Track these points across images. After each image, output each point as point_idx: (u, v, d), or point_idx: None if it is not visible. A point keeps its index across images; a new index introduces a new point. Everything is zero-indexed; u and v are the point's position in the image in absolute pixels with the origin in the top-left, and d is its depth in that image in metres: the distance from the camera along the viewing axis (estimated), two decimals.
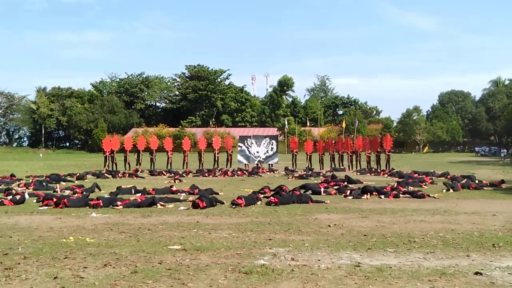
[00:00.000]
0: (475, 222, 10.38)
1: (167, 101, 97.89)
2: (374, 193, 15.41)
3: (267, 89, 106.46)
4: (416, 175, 23.09)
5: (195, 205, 12.52)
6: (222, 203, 13.23)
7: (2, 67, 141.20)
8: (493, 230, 9.40)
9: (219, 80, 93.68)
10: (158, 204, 12.85)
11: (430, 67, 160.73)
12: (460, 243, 8.17)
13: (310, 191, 15.86)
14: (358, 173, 26.43)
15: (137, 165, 30.14)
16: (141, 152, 31.33)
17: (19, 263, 6.84)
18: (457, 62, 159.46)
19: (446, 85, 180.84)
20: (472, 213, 11.76)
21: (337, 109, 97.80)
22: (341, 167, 30.54)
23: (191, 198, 14.30)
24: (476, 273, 6.26)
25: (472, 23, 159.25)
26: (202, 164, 30.21)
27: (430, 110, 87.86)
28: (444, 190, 16.84)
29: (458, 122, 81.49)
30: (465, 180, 19.50)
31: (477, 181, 19.40)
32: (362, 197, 14.93)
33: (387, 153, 29.99)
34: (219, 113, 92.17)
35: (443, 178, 22.37)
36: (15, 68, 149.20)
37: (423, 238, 8.63)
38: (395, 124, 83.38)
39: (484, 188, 18.09)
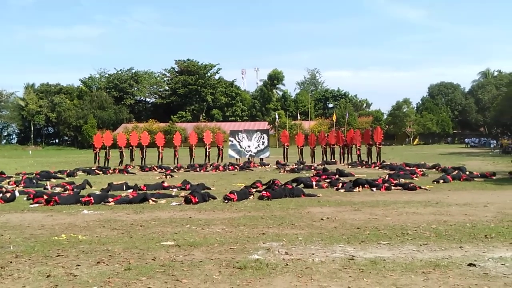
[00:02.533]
0: (467, 214, 10.44)
1: (157, 96, 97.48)
2: (365, 185, 15.47)
3: (257, 83, 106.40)
4: (407, 167, 23.21)
5: (187, 201, 12.48)
6: (215, 198, 13.19)
7: None
8: (485, 221, 9.46)
9: (209, 74, 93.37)
10: (150, 200, 12.79)
11: (420, 59, 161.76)
12: (453, 235, 8.20)
13: (302, 185, 15.88)
14: (350, 166, 26.49)
15: (131, 161, 29.98)
16: (134, 148, 31.13)
17: (11, 262, 6.78)
18: (447, 54, 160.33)
19: (435, 77, 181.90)
20: (463, 205, 11.82)
21: (328, 102, 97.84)
22: (333, 160, 30.59)
23: (183, 193, 14.26)
24: (470, 265, 6.28)
25: (461, 15, 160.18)
26: (193, 159, 30.11)
27: (420, 102, 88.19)
28: (435, 182, 16.93)
29: (448, 113, 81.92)
30: (456, 171, 19.62)
31: (467, 173, 19.51)
32: (354, 190, 14.96)
33: (377, 145, 30.05)
34: (210, 108, 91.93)
35: (434, 169, 22.49)
36: (2, 64, 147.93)
37: (416, 230, 8.66)
38: (385, 116, 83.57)
39: (475, 179, 18.20)
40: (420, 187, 15.24)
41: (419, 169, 21.73)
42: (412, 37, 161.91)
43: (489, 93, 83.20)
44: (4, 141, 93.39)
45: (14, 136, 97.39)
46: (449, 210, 10.95)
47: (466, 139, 71.85)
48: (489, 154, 42.54)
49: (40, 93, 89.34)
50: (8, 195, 13.83)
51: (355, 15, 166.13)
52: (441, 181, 17.12)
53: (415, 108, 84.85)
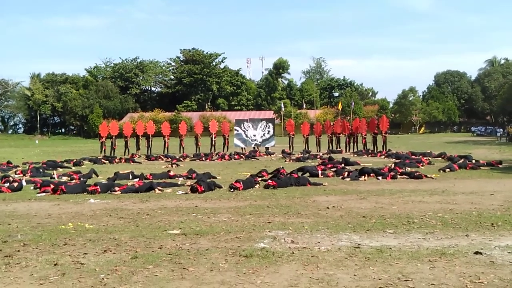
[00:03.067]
0: (473, 202, 10.42)
1: (162, 86, 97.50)
2: (371, 174, 15.44)
3: (262, 72, 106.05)
4: (413, 156, 23.14)
5: (193, 190, 12.51)
6: (220, 187, 13.21)
7: None
8: (492, 210, 9.44)
9: (214, 63, 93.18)
10: (156, 189, 12.83)
11: (426, 48, 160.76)
12: (459, 223, 8.19)
13: (307, 174, 15.87)
14: (355, 155, 26.45)
15: (137, 150, 30.08)
16: (140, 137, 31.24)
17: (18, 251, 6.83)
18: (453, 42, 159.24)
19: (441, 65, 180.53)
20: (470, 193, 11.79)
21: (333, 91, 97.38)
22: (338, 149, 30.54)
23: (189, 182, 14.29)
24: (476, 253, 6.28)
25: (466, 2, 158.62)
26: (199, 148, 30.18)
27: (426, 91, 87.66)
28: (441, 171, 16.89)
29: (454, 102, 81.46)
30: (462, 160, 19.54)
31: (474, 161, 19.42)
32: (360, 179, 14.94)
33: (383, 134, 29.99)
34: (215, 97, 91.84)
35: (440, 158, 22.43)
36: (8, 54, 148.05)
37: (422, 218, 8.65)
38: (391, 105, 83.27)
39: (481, 167, 18.12)
40: (426, 176, 15.19)
41: (425, 158, 21.67)
42: (417, 25, 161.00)
43: (495, 81, 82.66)
44: (11, 130, 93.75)
45: (20, 125, 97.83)
46: (455, 199, 10.93)
47: (472, 128, 71.57)
48: (495, 142, 42.39)
49: (46, 82, 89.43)
50: (15, 184, 13.92)
51: (360, 3, 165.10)
52: (447, 169, 17.07)
53: (421, 97, 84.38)
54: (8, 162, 22.42)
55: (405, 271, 5.58)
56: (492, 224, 8.07)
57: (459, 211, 9.34)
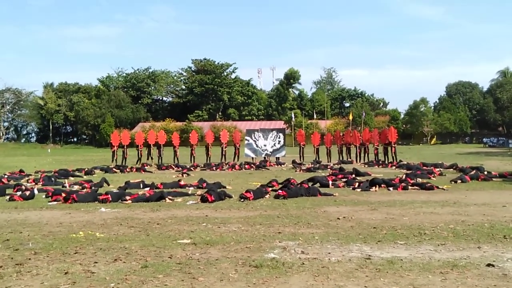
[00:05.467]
0: (485, 214, 10.32)
1: (174, 96, 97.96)
2: (382, 185, 15.37)
3: (273, 82, 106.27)
4: (425, 167, 23.00)
5: (203, 199, 12.53)
6: (231, 196, 13.22)
7: (9, 63, 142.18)
8: (504, 221, 9.34)
9: (225, 73, 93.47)
10: (166, 199, 12.87)
11: (437, 58, 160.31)
12: (471, 235, 8.12)
13: (318, 184, 15.84)
14: (366, 166, 26.36)
15: (147, 159, 30.23)
16: (151, 146, 31.37)
17: (29, 259, 6.86)
18: (465, 53, 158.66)
19: (453, 76, 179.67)
20: (482, 205, 11.69)
21: (344, 101, 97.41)
22: (349, 159, 30.46)
23: (199, 192, 14.31)
24: (488, 265, 6.21)
25: (478, 12, 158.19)
26: (210, 158, 30.22)
27: (438, 102, 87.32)
28: (452, 182, 16.77)
29: (465, 113, 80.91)
30: (474, 171, 19.37)
31: (486, 172, 19.25)
32: (371, 190, 14.87)
33: (393, 145, 29.85)
34: (226, 107, 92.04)
35: (452, 169, 22.27)
36: (21, 64, 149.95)
37: (433, 230, 8.58)
38: (402, 116, 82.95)
39: (493, 179, 17.96)
40: (437, 187, 15.08)
41: (436, 169, 21.51)
42: (429, 35, 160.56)
43: (508, 92, 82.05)
44: (24, 139, 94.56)
45: (33, 134, 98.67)
46: (467, 210, 10.84)
47: (484, 139, 70.95)
48: (507, 153, 41.99)
49: (59, 92, 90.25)
50: (27, 193, 14.03)
51: (371, 13, 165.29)
52: (459, 181, 16.94)
53: (433, 107, 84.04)
54: (21, 171, 22.62)
55: (416, 283, 5.54)
56: (504, 236, 7.98)
57: (471, 222, 9.26)
